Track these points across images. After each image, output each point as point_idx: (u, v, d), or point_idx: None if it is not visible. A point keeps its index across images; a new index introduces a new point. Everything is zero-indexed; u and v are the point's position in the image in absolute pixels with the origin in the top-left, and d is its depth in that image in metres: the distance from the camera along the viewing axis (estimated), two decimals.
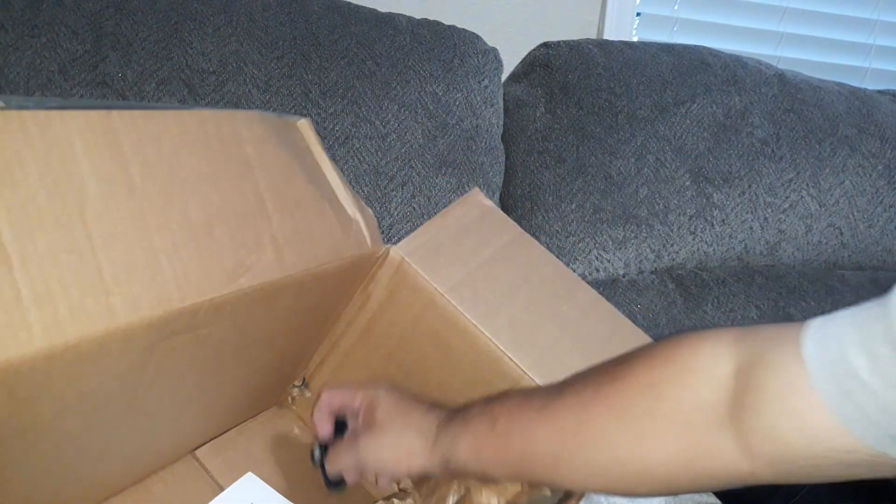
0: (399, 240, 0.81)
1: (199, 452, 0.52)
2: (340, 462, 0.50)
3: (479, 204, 0.61)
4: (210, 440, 0.53)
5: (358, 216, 0.51)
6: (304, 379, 0.61)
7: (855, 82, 1.07)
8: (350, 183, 0.79)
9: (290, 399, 0.61)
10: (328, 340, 0.58)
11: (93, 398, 0.35)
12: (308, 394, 0.61)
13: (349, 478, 0.53)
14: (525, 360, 0.51)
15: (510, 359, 0.51)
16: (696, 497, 0.68)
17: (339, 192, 0.51)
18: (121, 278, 0.32)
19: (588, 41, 0.96)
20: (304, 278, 0.44)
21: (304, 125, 0.51)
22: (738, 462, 0.36)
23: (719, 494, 0.65)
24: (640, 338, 0.58)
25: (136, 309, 0.32)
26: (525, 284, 0.56)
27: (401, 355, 0.56)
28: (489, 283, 0.54)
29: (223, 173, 0.40)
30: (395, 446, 0.49)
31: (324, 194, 0.49)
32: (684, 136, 0.90)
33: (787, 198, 0.92)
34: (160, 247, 0.34)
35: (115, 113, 0.34)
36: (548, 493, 0.49)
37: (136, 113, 0.35)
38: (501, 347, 0.51)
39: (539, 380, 0.50)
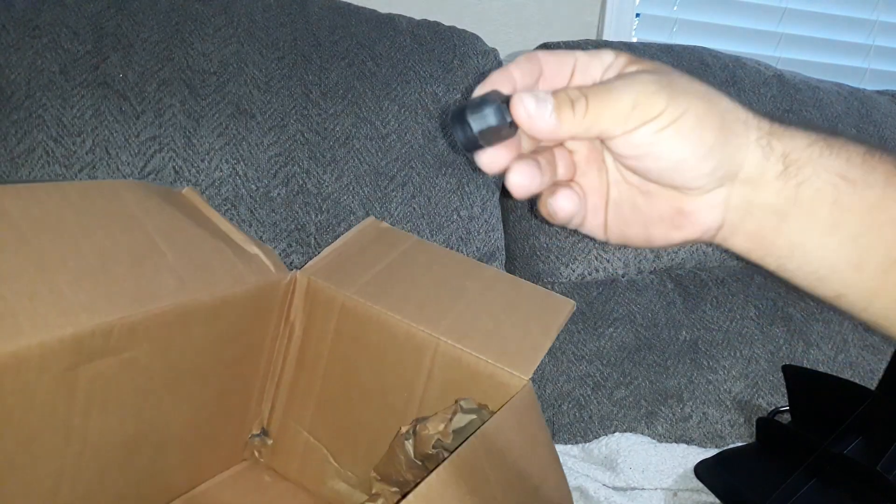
0: None
1: None
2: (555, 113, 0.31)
3: (375, 227, 0.65)
4: (179, 495, 0.54)
5: (257, 250, 0.54)
6: (262, 428, 0.61)
7: (854, 83, 1.07)
8: (350, 183, 0.79)
9: (256, 453, 0.62)
10: (271, 381, 0.59)
11: (22, 420, 0.37)
12: (270, 441, 0.61)
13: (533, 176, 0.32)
14: (438, 329, 0.52)
15: (423, 331, 0.52)
16: (696, 497, 0.68)
17: (232, 235, 0.54)
18: (25, 304, 0.36)
19: (587, 42, 0.96)
20: (213, 303, 0.47)
21: (190, 192, 0.54)
22: None
23: (719, 493, 0.66)
24: (543, 295, 0.60)
25: (46, 328, 0.36)
26: (428, 274, 0.59)
27: (335, 371, 0.58)
28: (394, 279, 0.57)
29: (111, 224, 0.44)
30: (694, 102, 0.31)
31: (216, 235, 0.52)
32: None
33: None
34: (62, 280, 0.38)
35: None
36: (472, 414, 0.50)
37: (20, 186, 0.41)
38: (414, 324, 0.53)
39: (455, 342, 0.52)
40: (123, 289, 0.41)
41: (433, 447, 0.49)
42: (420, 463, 0.50)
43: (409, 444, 0.50)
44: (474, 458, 0.39)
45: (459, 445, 0.41)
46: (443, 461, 0.38)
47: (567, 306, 0.58)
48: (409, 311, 0.54)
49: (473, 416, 0.49)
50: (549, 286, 0.86)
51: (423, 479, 0.34)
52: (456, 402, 0.50)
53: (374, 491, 0.56)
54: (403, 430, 0.51)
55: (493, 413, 0.49)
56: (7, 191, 0.40)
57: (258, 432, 0.61)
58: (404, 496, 0.33)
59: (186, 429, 0.51)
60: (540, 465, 0.49)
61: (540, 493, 0.48)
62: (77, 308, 0.38)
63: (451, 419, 0.49)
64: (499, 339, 0.53)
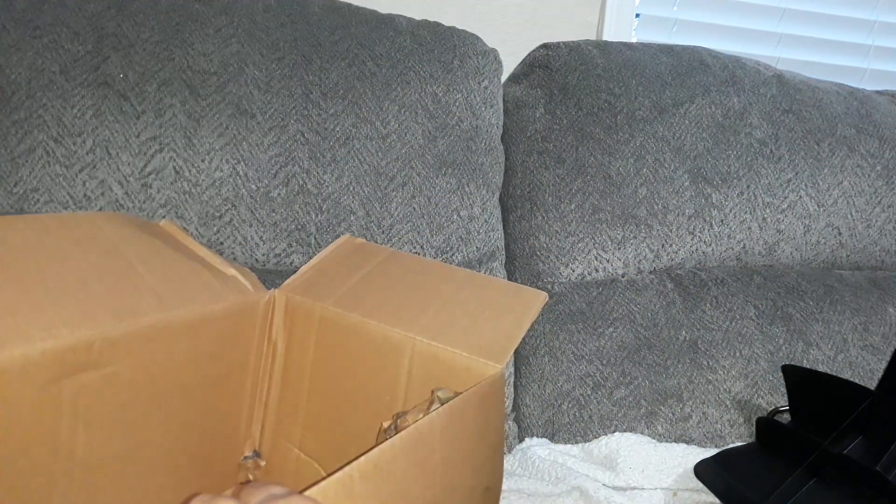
0: (399, 241, 0.81)
1: None
2: None
3: (350, 243, 0.66)
4: None
5: (234, 272, 0.55)
6: (254, 450, 0.61)
7: (853, 83, 1.07)
8: (350, 183, 0.79)
9: (250, 476, 0.62)
10: (259, 402, 0.60)
11: (8, 434, 0.37)
12: (263, 462, 0.62)
13: None
14: (414, 329, 0.54)
15: (399, 333, 0.54)
16: (696, 496, 0.68)
17: (210, 259, 0.55)
18: (6, 319, 0.37)
19: (587, 42, 0.97)
20: (192, 319, 0.49)
21: (168, 223, 0.55)
22: None
23: (719, 493, 0.66)
24: (516, 290, 0.61)
25: (27, 341, 0.37)
26: (403, 281, 0.60)
27: (319, 384, 0.59)
28: (370, 288, 0.58)
29: (89, 249, 0.45)
30: None
31: (194, 259, 0.53)
32: (683, 137, 0.91)
33: (785, 198, 0.92)
34: (42, 298, 0.39)
35: None
36: (450, 393, 0.51)
37: None
38: (390, 327, 0.54)
39: (430, 340, 0.53)
40: (103, 306, 0.42)
41: None
42: None
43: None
44: (429, 433, 0.40)
45: None
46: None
47: (539, 298, 0.60)
48: (384, 315, 0.55)
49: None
50: (549, 286, 0.86)
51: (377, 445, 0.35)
52: (433, 392, 0.51)
53: None
54: (385, 425, 0.52)
55: None
56: None
57: (250, 454, 0.61)
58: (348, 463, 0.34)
59: (176, 448, 0.52)
60: (486, 447, 0.50)
61: (478, 473, 0.49)
62: (58, 323, 0.39)
63: (427, 409, 0.50)
64: (473, 333, 0.54)
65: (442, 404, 0.50)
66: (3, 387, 0.36)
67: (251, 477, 0.62)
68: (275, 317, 0.58)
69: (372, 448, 0.53)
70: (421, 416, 0.50)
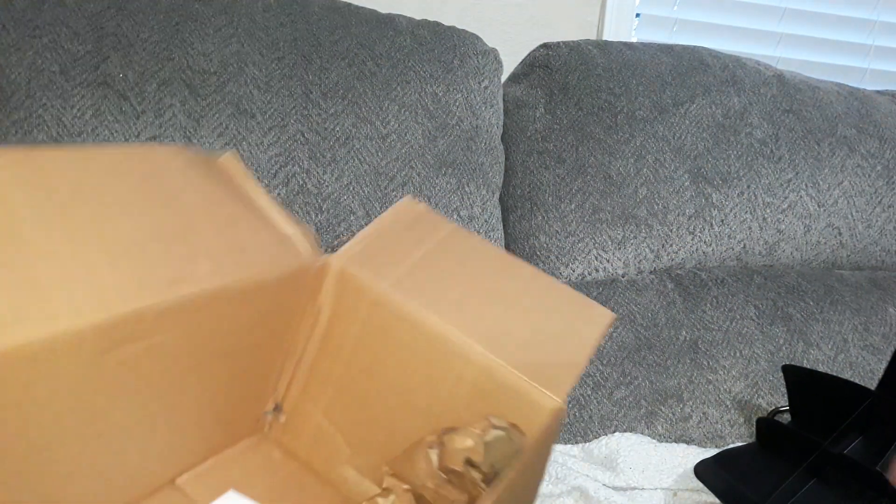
0: None
1: (179, 481, 0.52)
2: None
3: (412, 208, 0.63)
4: (189, 469, 0.53)
5: (293, 230, 0.53)
6: (276, 404, 0.61)
7: (854, 83, 1.07)
8: (350, 183, 0.79)
9: (267, 427, 0.61)
10: (291, 360, 0.59)
11: (48, 404, 0.36)
12: (283, 418, 0.61)
13: None
14: (471, 334, 0.51)
15: (456, 334, 0.51)
16: (696, 496, 0.68)
17: (269, 212, 0.52)
18: (60, 287, 0.35)
19: (588, 42, 0.97)
20: (246, 287, 0.47)
21: (230, 157, 0.53)
22: None
23: (718, 493, 0.66)
24: (583, 303, 0.58)
25: (79, 314, 0.35)
26: (465, 270, 0.57)
27: (359, 360, 0.57)
28: (429, 274, 0.55)
29: (149, 198, 0.43)
30: None
31: (254, 213, 0.51)
32: (683, 137, 0.91)
33: (785, 198, 0.92)
34: (96, 260, 0.37)
35: (37, 150, 0.38)
36: (502, 432, 0.49)
37: (60, 150, 0.40)
38: (447, 326, 0.51)
39: (488, 351, 0.51)
40: (157, 272, 0.40)
41: (463, 463, 0.48)
42: (444, 476, 0.50)
43: (433, 454, 0.49)
44: (505, 491, 0.39)
45: (491, 464, 0.41)
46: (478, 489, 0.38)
47: (606, 318, 0.56)
48: (442, 311, 0.52)
49: (502, 433, 0.48)
50: None
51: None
52: (487, 418, 0.49)
53: (385, 485, 0.55)
54: (429, 438, 0.51)
55: (522, 433, 0.48)
56: (45, 153, 0.38)
57: (271, 408, 0.60)
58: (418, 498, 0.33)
59: (206, 408, 0.51)
60: (534, 484, 0.49)
61: None
62: (111, 292, 0.37)
63: (482, 435, 0.48)
64: (533, 351, 0.51)
65: (496, 430, 0.48)
66: (52, 362, 0.34)
67: (268, 429, 0.61)
68: (325, 282, 0.56)
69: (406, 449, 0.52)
70: (472, 442, 0.48)
